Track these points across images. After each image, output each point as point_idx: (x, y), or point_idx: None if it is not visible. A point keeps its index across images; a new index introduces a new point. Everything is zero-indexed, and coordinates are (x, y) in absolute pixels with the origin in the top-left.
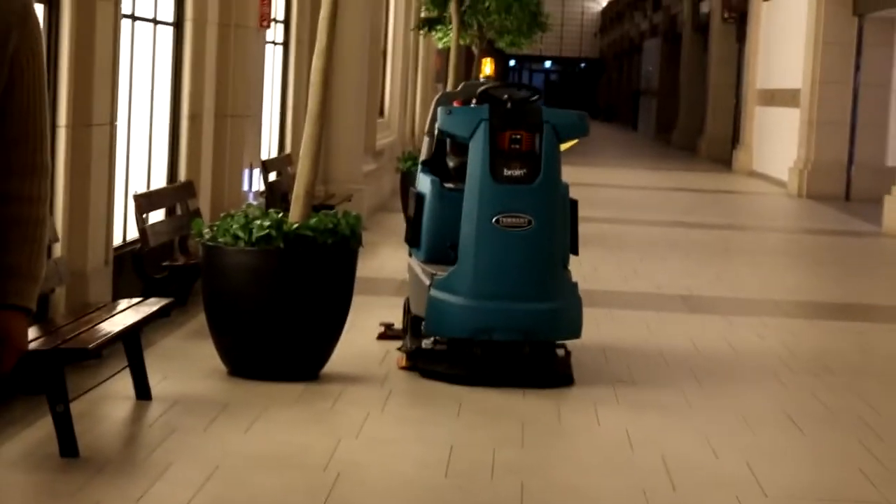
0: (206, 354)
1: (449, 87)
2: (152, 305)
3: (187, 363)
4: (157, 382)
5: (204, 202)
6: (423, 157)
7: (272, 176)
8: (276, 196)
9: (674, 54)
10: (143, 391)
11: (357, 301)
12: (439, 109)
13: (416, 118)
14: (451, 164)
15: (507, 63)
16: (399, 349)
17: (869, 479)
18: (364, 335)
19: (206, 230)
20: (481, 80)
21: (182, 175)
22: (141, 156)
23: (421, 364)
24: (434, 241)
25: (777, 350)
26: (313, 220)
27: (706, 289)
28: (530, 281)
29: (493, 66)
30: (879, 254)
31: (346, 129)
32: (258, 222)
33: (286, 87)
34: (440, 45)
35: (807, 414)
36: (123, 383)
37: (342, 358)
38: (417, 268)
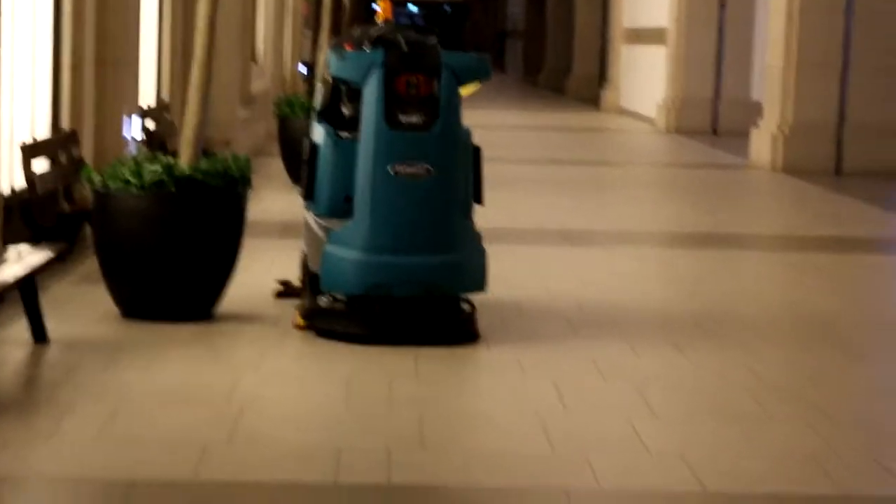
0: (98, 299)
1: (323, 34)
2: (47, 251)
3: (80, 307)
4: (53, 327)
5: (87, 151)
6: (318, 105)
7: (149, 123)
8: (155, 143)
9: None
10: (39, 334)
11: (244, 243)
12: (330, 54)
13: (285, 64)
14: (346, 112)
15: (370, 7)
16: (296, 308)
17: (749, 391)
18: (253, 277)
19: (97, 176)
20: (378, 25)
21: (65, 123)
22: (23, 104)
23: (317, 323)
24: (330, 194)
25: (656, 278)
26: (204, 164)
27: (584, 223)
28: (430, 233)
29: (388, 9)
30: (747, 184)
31: (222, 73)
32: (149, 167)
33: (161, 33)
34: None
35: (687, 337)
36: (18, 328)
37: (234, 299)
38: (312, 222)
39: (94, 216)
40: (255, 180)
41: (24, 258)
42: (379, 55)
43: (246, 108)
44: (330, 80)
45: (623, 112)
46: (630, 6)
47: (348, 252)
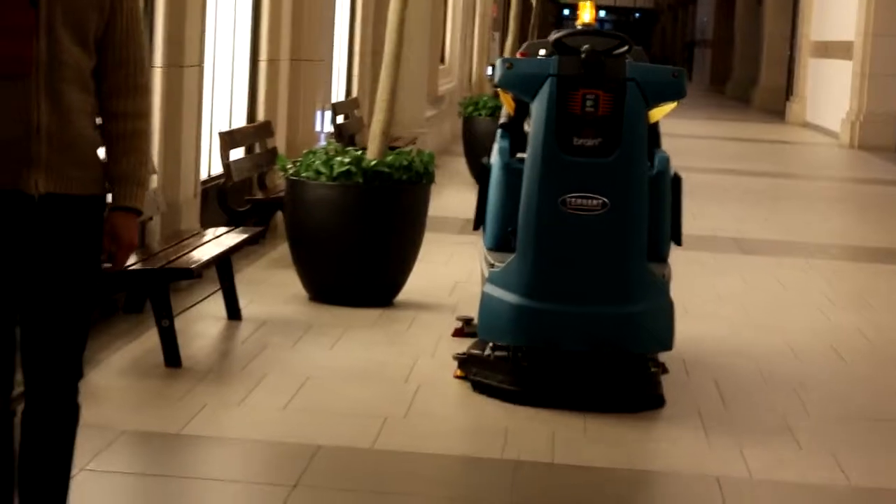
0: (288, 281)
1: (510, 36)
2: (243, 233)
3: (271, 289)
4: (245, 305)
5: (280, 141)
6: (501, 118)
7: (339, 118)
8: (345, 137)
9: (728, 5)
10: (233, 312)
11: (425, 237)
12: (497, 62)
13: (473, 65)
14: (527, 128)
15: (562, 12)
16: (455, 355)
17: None
18: (432, 269)
19: (290, 165)
20: (578, 29)
21: (261, 115)
22: (223, 96)
23: (473, 375)
24: (499, 225)
25: (822, 287)
26: (389, 158)
27: (757, 232)
28: (603, 278)
29: (594, 12)
30: None
31: (411, 74)
32: (339, 159)
33: (353, 31)
34: None
35: (850, 346)
36: (215, 305)
37: (414, 287)
38: (481, 256)
39: (285, 203)
40: (439, 177)
41: (220, 239)
42: (551, 65)
43: (433, 107)
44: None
45: (808, 125)
46: (818, 18)
47: (509, 295)
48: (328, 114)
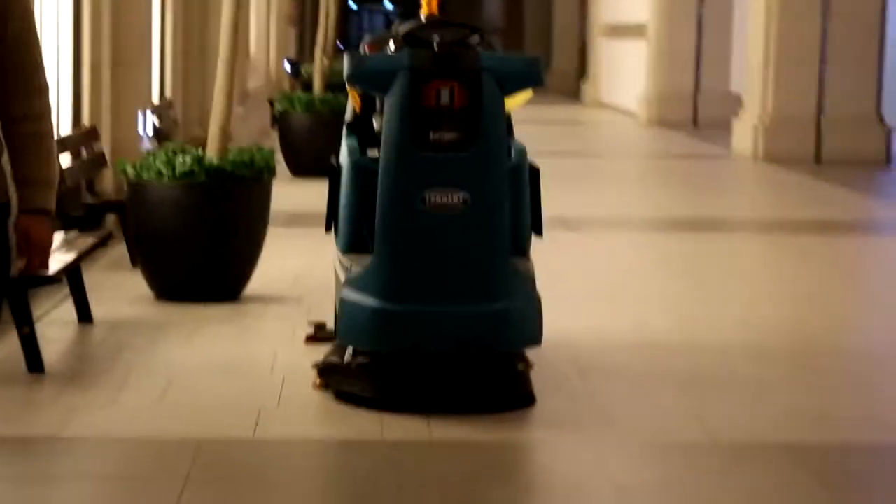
0: (129, 283)
1: (320, 31)
2: (91, 237)
3: (114, 291)
4: (93, 308)
5: (105, 145)
6: (346, 117)
7: (154, 120)
8: (161, 139)
9: None
10: (85, 315)
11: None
12: (345, 57)
13: (271, 62)
14: (376, 125)
15: (347, 4)
16: (314, 364)
17: (747, 354)
18: (270, 261)
19: (130, 168)
20: (422, 19)
21: (86, 120)
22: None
23: (335, 383)
24: (353, 225)
25: (652, 261)
26: (231, 155)
27: (579, 211)
28: (466, 276)
29: (435, 3)
30: (732, 173)
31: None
32: (180, 159)
33: (164, 33)
34: None
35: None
36: (64, 309)
37: (256, 282)
38: (336, 259)
39: (128, 205)
40: None
41: (71, 244)
42: (403, 58)
43: (242, 104)
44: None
45: (603, 105)
46: (608, 2)
47: (368, 299)
48: (149, 116)
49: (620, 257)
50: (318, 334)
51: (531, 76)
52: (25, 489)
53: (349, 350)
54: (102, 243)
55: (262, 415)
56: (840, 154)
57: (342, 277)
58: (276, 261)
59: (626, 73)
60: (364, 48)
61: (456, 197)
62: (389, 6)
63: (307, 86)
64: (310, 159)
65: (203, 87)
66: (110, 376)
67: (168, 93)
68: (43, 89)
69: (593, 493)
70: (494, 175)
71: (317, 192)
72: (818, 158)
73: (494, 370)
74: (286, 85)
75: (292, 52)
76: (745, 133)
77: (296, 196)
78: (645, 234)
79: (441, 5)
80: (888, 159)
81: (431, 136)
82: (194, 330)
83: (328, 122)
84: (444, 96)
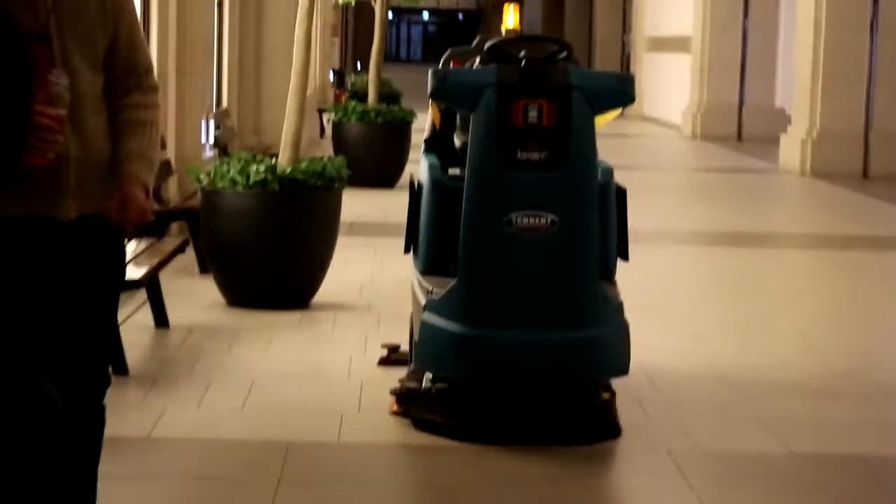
0: (200, 289)
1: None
2: (168, 244)
3: (186, 297)
4: (168, 314)
5: (170, 153)
6: (426, 133)
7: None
8: (220, 147)
9: (557, 2)
10: (161, 320)
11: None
12: (430, 72)
13: (317, 71)
14: (458, 142)
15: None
16: (392, 391)
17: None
18: (334, 270)
19: (204, 176)
20: (503, 34)
21: None
22: None
23: (413, 410)
24: (434, 247)
25: (705, 275)
26: (304, 164)
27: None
28: (554, 301)
29: (518, 16)
30: (780, 187)
31: (276, 81)
32: (254, 168)
33: (221, 44)
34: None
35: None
36: (141, 315)
37: (323, 290)
38: (414, 280)
39: (202, 213)
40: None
41: (151, 249)
42: (490, 73)
43: None
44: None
45: (646, 119)
46: (652, 15)
47: (450, 324)
48: (211, 124)
49: (674, 271)
50: (391, 357)
51: (622, 94)
52: (122, 488)
53: (427, 375)
54: (181, 249)
55: (345, 419)
56: (887, 170)
57: (422, 300)
58: (340, 270)
59: (669, 86)
60: (448, 62)
61: (544, 219)
62: (426, 16)
63: (353, 95)
64: (364, 169)
65: (257, 97)
66: (192, 380)
67: (224, 102)
68: (154, 88)
69: None
70: (584, 197)
71: (372, 201)
72: (865, 174)
73: (579, 400)
74: (330, 95)
75: (336, 62)
76: (793, 147)
77: (352, 206)
78: (697, 247)
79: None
80: None
81: (519, 155)
82: (269, 336)
83: (383, 133)
84: (533, 114)
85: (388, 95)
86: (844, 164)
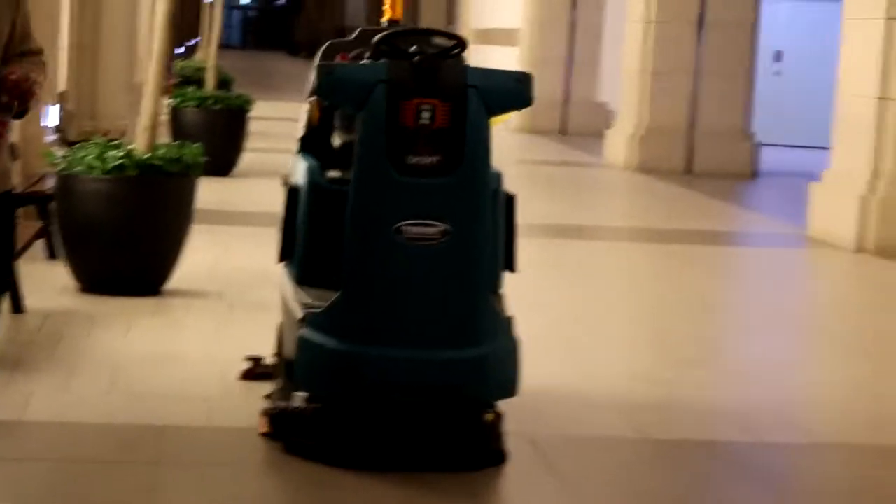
0: (51, 275)
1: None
2: (29, 228)
3: (38, 283)
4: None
5: (15, 138)
6: (299, 132)
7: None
8: (60, 131)
9: None
10: (17, 306)
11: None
12: (316, 68)
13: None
14: (337, 141)
15: None
16: (262, 412)
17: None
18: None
19: (59, 160)
20: (383, 25)
21: None
22: None
23: (286, 433)
24: (311, 255)
25: (544, 264)
26: (161, 151)
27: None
28: (445, 318)
29: (400, 6)
30: (608, 182)
31: (115, 65)
32: (112, 153)
33: (59, 26)
34: None
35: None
36: None
37: (174, 277)
38: (289, 290)
39: (56, 198)
40: None
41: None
42: (380, 70)
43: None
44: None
45: None
46: (479, 6)
47: (330, 340)
48: (54, 108)
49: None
50: (256, 369)
51: (521, 95)
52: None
53: (300, 394)
54: (40, 236)
55: (212, 404)
56: (710, 166)
57: (298, 313)
58: (185, 257)
59: None
60: (329, 55)
61: (435, 228)
62: (245, 0)
63: (185, 81)
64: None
65: (94, 82)
66: (56, 364)
67: (62, 86)
68: (41, 49)
69: None
70: (478, 204)
71: (211, 189)
72: (689, 170)
73: (463, 424)
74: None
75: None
76: (619, 142)
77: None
78: (533, 239)
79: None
80: (754, 173)
81: (409, 159)
82: (127, 322)
83: (221, 120)
84: (425, 115)
85: (222, 81)
86: (669, 159)
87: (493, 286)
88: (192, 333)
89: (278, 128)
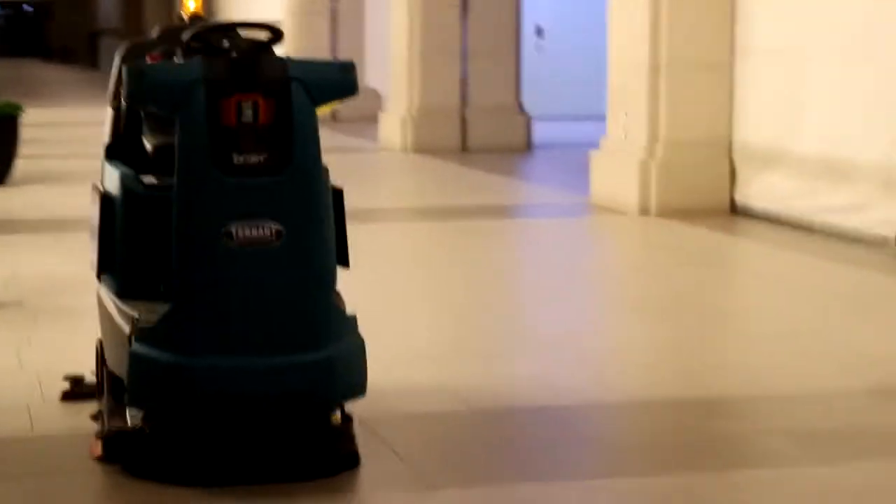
0: None
1: None
2: None
3: None
4: None
5: None
6: (105, 138)
7: None
8: None
9: None
10: None
11: None
12: (125, 70)
13: None
14: (149, 144)
15: None
16: (95, 435)
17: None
18: None
19: None
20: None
21: None
22: None
23: (125, 455)
24: (132, 266)
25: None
26: None
27: None
28: (284, 321)
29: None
30: (386, 164)
31: None
32: None
33: None
34: None
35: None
36: None
37: None
38: (111, 305)
39: None
40: None
41: None
42: (195, 68)
43: None
44: (123, 104)
45: None
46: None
47: (163, 354)
48: None
49: None
50: (76, 390)
51: (346, 84)
52: None
53: (133, 412)
54: None
55: (33, 412)
56: (483, 142)
57: (125, 329)
58: None
59: None
60: (131, 57)
61: (268, 229)
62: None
63: None
64: None
65: None
66: None
67: None
68: None
69: None
70: (311, 201)
71: None
72: (464, 147)
73: (313, 429)
74: None
75: None
76: (392, 125)
77: None
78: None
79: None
80: (529, 146)
81: (235, 159)
82: None
83: None
84: (248, 112)
85: None
86: (444, 139)
87: (332, 284)
88: (1, 344)
89: (48, 133)
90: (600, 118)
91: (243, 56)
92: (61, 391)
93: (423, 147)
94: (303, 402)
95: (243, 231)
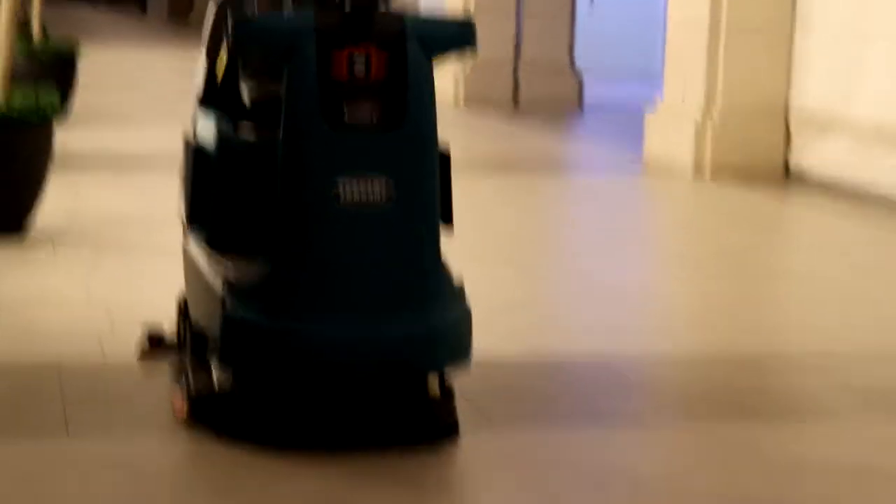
0: None
1: None
2: None
3: None
4: None
5: None
6: (198, 88)
7: None
8: None
9: None
10: None
11: None
12: (232, 16)
13: None
14: (248, 94)
15: None
16: (180, 396)
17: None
18: None
19: None
20: None
21: None
22: None
23: (213, 416)
24: (227, 220)
25: None
26: (17, 99)
27: None
28: (392, 286)
29: None
30: (441, 118)
31: None
32: None
33: None
34: None
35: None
36: None
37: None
38: (201, 258)
39: None
40: None
41: None
42: (308, 17)
43: None
44: (224, 52)
45: None
46: None
47: (266, 319)
48: None
49: None
50: (155, 348)
51: (464, 39)
52: None
53: (220, 373)
54: None
55: (103, 340)
56: (535, 95)
57: (217, 284)
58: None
59: None
60: (229, 6)
61: (378, 189)
62: None
63: None
64: None
65: None
66: None
67: None
68: None
69: None
70: (424, 162)
71: None
72: (516, 101)
73: (414, 396)
74: None
75: None
76: (446, 79)
77: None
78: None
79: None
80: (580, 103)
81: (346, 114)
82: None
83: (51, 67)
84: (360, 66)
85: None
86: (496, 92)
87: (439, 249)
88: (63, 272)
89: (101, 74)
90: (648, 77)
91: (358, 7)
92: (140, 349)
93: (476, 100)
94: (405, 370)
95: (352, 191)
